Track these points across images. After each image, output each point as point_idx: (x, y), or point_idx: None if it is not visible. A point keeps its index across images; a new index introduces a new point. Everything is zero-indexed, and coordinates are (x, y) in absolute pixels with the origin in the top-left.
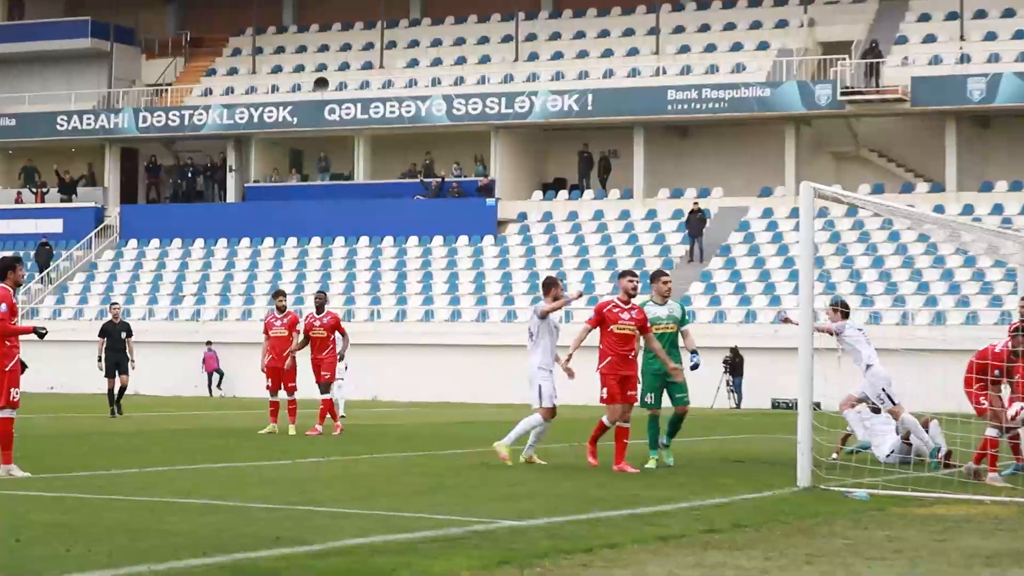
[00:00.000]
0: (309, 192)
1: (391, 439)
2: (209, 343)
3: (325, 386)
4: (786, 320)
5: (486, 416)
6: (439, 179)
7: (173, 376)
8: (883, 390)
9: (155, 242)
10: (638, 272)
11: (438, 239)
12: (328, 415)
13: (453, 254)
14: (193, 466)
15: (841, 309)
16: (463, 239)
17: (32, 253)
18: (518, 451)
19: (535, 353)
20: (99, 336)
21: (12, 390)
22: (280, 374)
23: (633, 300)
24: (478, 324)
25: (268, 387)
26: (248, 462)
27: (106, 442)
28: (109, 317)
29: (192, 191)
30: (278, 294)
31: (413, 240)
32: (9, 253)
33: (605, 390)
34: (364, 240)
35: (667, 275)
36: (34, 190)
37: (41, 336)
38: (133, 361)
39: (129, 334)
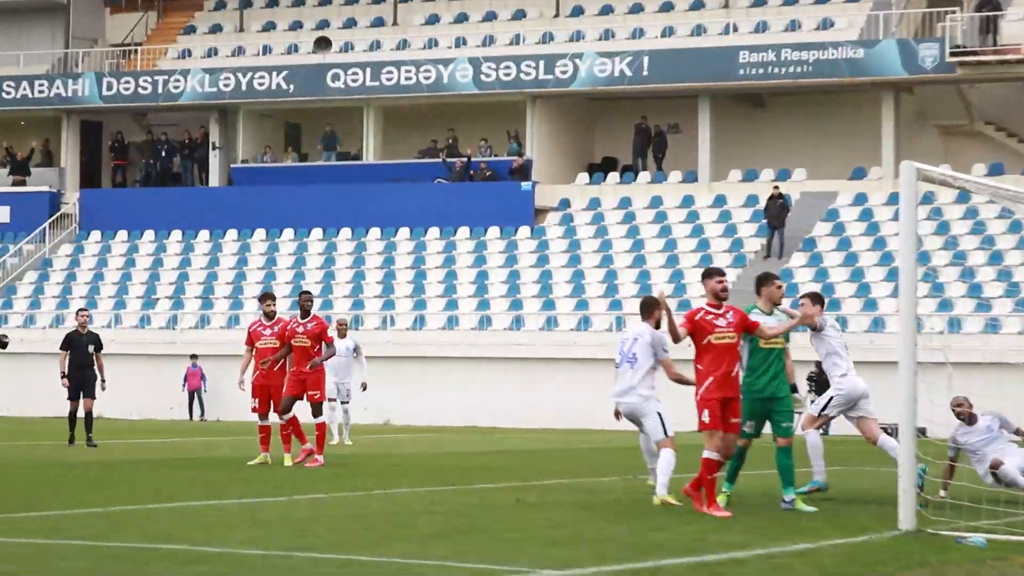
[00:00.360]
0: (309, 175)
1: (406, 472)
2: (194, 357)
3: (316, 407)
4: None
5: (520, 444)
6: (464, 159)
7: (144, 395)
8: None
9: (122, 234)
10: (724, 271)
11: (463, 231)
12: (299, 439)
13: (481, 249)
14: (171, 504)
15: (817, 302)
16: (493, 231)
17: None
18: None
19: (642, 378)
20: (61, 348)
21: None
22: (270, 393)
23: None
24: (511, 333)
25: (255, 409)
26: (237, 499)
27: (64, 475)
28: (75, 326)
29: (167, 173)
30: (266, 297)
31: (434, 232)
32: None
33: (706, 413)
34: (375, 232)
35: (778, 278)
36: None
37: (3, 346)
38: (103, 380)
39: (99, 347)
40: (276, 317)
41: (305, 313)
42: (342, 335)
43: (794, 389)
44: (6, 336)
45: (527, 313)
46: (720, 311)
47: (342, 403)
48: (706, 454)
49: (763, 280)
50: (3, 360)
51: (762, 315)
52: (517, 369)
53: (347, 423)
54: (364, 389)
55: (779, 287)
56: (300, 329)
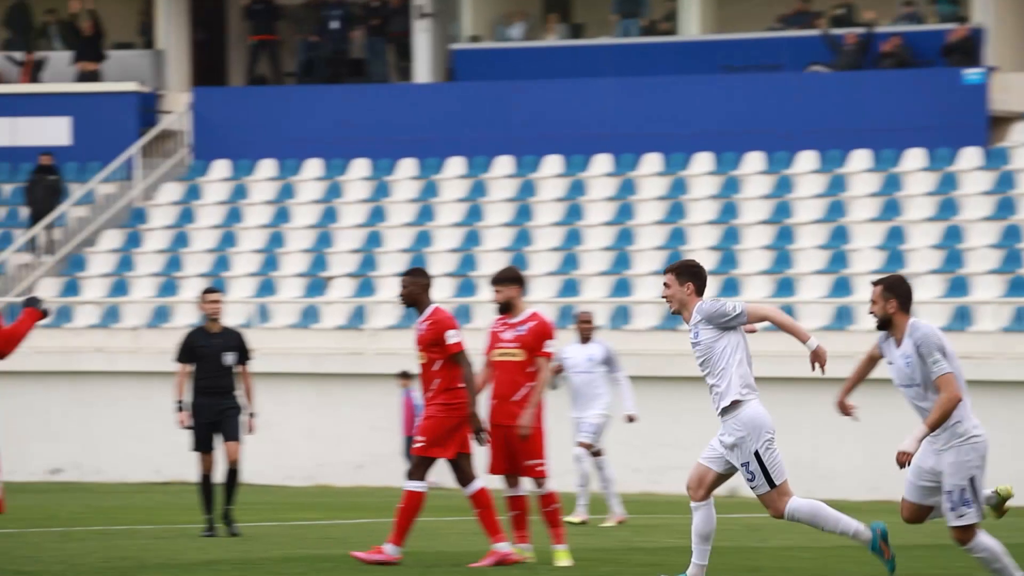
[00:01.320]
0: (588, 61)
1: None
2: (406, 376)
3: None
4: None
5: None
6: (862, 30)
7: (319, 444)
8: None
9: (266, 165)
10: None
11: (859, 157)
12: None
13: (892, 187)
14: None
15: None
16: (914, 155)
17: (23, 187)
18: None
19: None
20: (178, 359)
21: None
22: (507, 439)
23: None
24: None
25: (491, 469)
26: None
27: None
28: (198, 323)
29: (342, 60)
30: (504, 280)
31: (807, 159)
32: None
33: None
34: (702, 160)
35: None
36: (18, 60)
37: (43, 315)
38: (252, 413)
39: (243, 357)
40: (525, 312)
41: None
42: (585, 338)
43: None
44: (42, 300)
45: (978, 302)
46: None
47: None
48: None
49: None
50: (62, 381)
51: None
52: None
53: (609, 486)
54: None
55: None
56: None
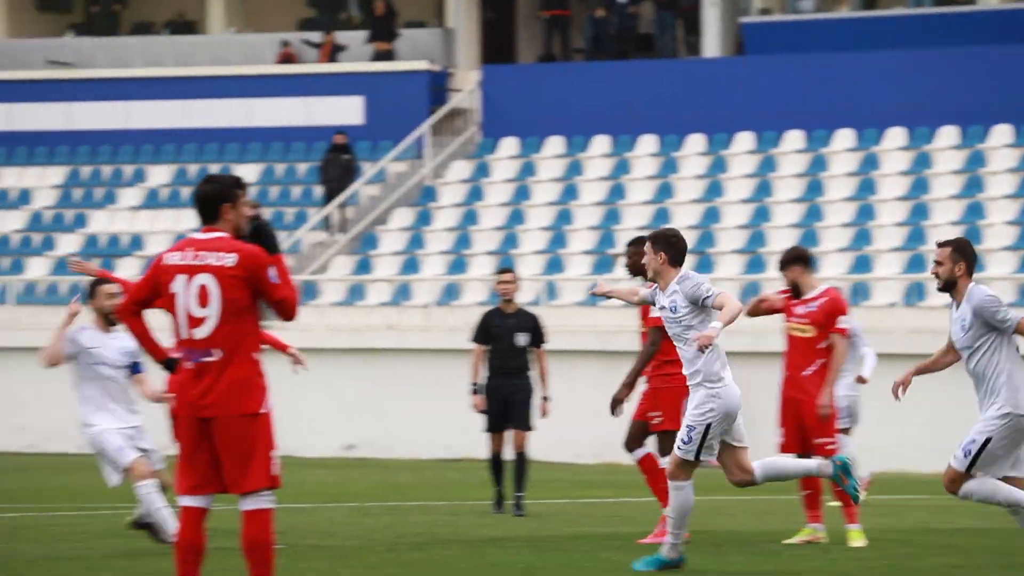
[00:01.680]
0: (882, 32)
1: None
2: None
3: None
4: (603, 293)
5: None
6: None
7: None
8: None
9: (554, 142)
10: None
11: None
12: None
13: None
14: None
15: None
16: None
17: (317, 166)
18: None
19: None
20: (475, 340)
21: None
22: (802, 418)
23: None
24: None
25: (783, 447)
26: None
27: None
28: (494, 303)
29: (630, 36)
30: (787, 262)
31: None
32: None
33: None
34: (1001, 132)
35: None
36: (314, 42)
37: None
38: (546, 396)
39: (538, 339)
40: (815, 289)
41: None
42: None
43: None
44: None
45: None
46: None
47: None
48: None
49: None
50: (351, 359)
51: None
52: None
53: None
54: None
55: None
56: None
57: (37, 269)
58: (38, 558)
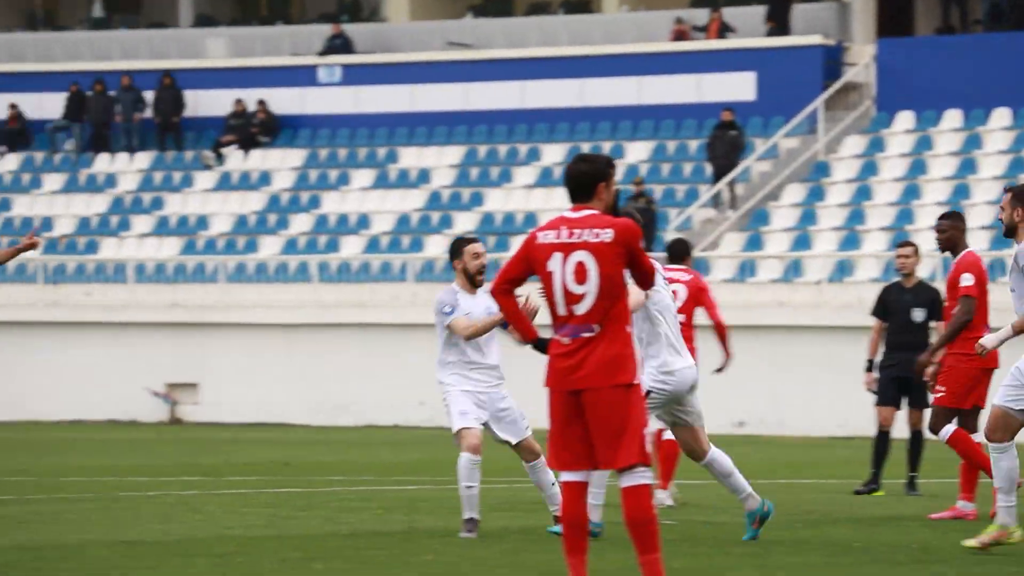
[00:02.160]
0: None
1: None
2: None
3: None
4: None
5: None
6: None
7: None
8: None
9: (952, 115)
10: None
11: None
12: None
13: None
14: None
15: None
16: None
17: (706, 143)
18: None
19: None
20: (874, 314)
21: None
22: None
23: None
24: None
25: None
26: None
27: None
28: (898, 277)
29: None
30: None
31: None
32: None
33: None
34: None
35: None
36: (699, 25)
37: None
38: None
39: (936, 312)
40: None
41: None
42: None
43: None
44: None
45: None
46: None
47: None
48: None
49: None
50: (741, 335)
51: None
52: None
53: None
54: None
55: None
56: None
57: (435, 247)
58: (435, 532)
